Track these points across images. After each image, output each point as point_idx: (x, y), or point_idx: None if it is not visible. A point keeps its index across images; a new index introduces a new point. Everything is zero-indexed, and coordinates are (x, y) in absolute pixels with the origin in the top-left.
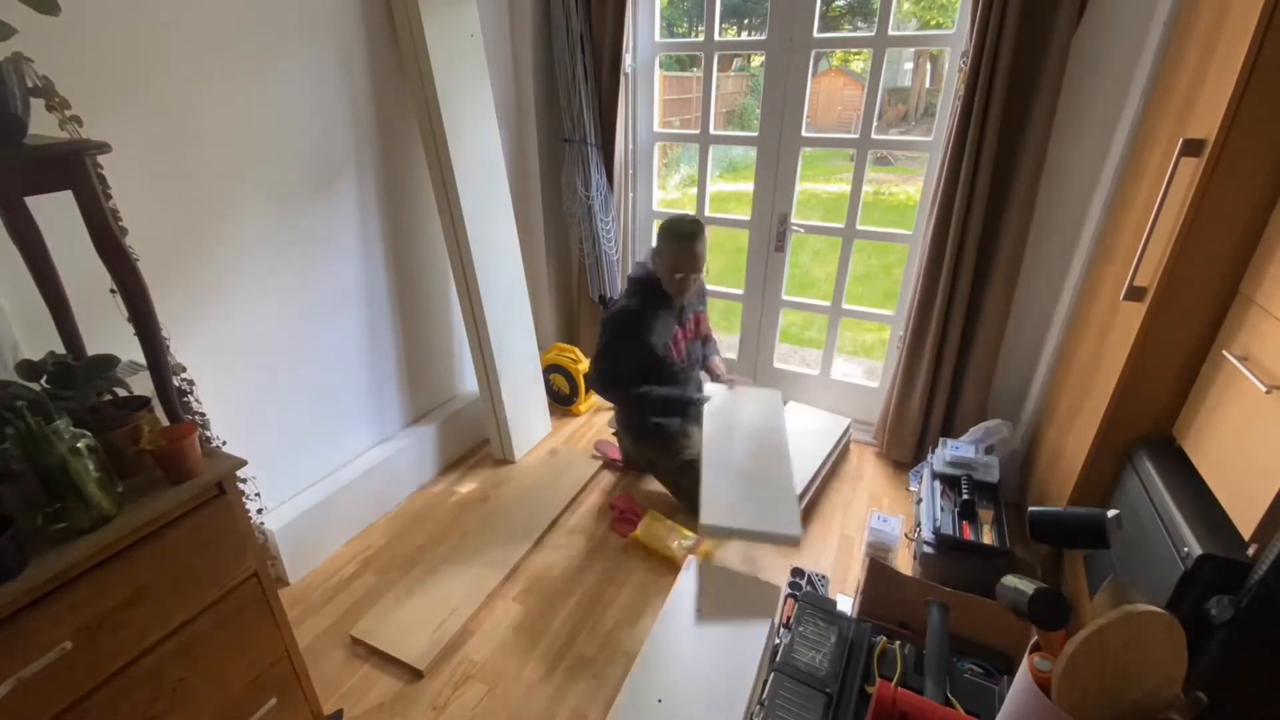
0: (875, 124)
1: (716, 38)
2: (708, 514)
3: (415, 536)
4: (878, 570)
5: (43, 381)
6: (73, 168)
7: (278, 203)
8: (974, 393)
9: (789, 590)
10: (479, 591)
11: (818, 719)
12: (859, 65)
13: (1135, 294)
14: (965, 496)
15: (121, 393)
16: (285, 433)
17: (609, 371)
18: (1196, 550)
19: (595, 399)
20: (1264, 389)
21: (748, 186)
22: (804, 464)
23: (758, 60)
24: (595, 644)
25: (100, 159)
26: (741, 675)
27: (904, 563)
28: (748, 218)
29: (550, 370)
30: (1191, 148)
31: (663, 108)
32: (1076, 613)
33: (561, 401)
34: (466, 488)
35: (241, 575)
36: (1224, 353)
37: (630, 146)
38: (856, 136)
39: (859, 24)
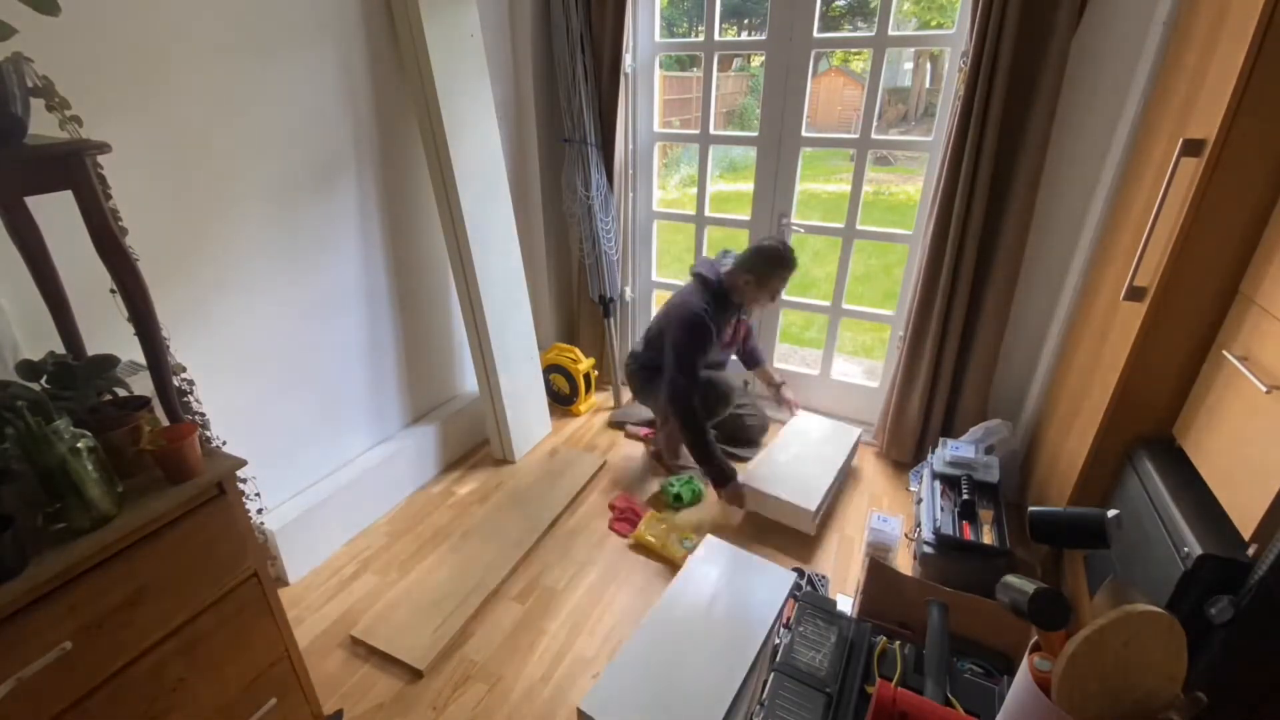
0: (875, 124)
1: (716, 38)
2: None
3: (415, 536)
4: (878, 570)
5: (43, 381)
6: (73, 168)
7: (278, 202)
8: (974, 393)
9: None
10: (479, 591)
11: (818, 719)
12: (859, 65)
13: (1135, 294)
14: (965, 496)
15: (121, 393)
16: (285, 433)
17: (687, 388)
18: (1196, 550)
19: (595, 399)
20: (1264, 389)
21: (748, 186)
22: (820, 475)
23: (758, 60)
24: (595, 644)
25: (100, 159)
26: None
27: (904, 563)
28: (748, 218)
29: (550, 370)
30: (1191, 148)
31: (663, 108)
32: (1076, 613)
33: (561, 401)
34: (466, 488)
35: (241, 575)
36: (1224, 353)
37: (630, 146)
38: (856, 136)
39: (859, 24)
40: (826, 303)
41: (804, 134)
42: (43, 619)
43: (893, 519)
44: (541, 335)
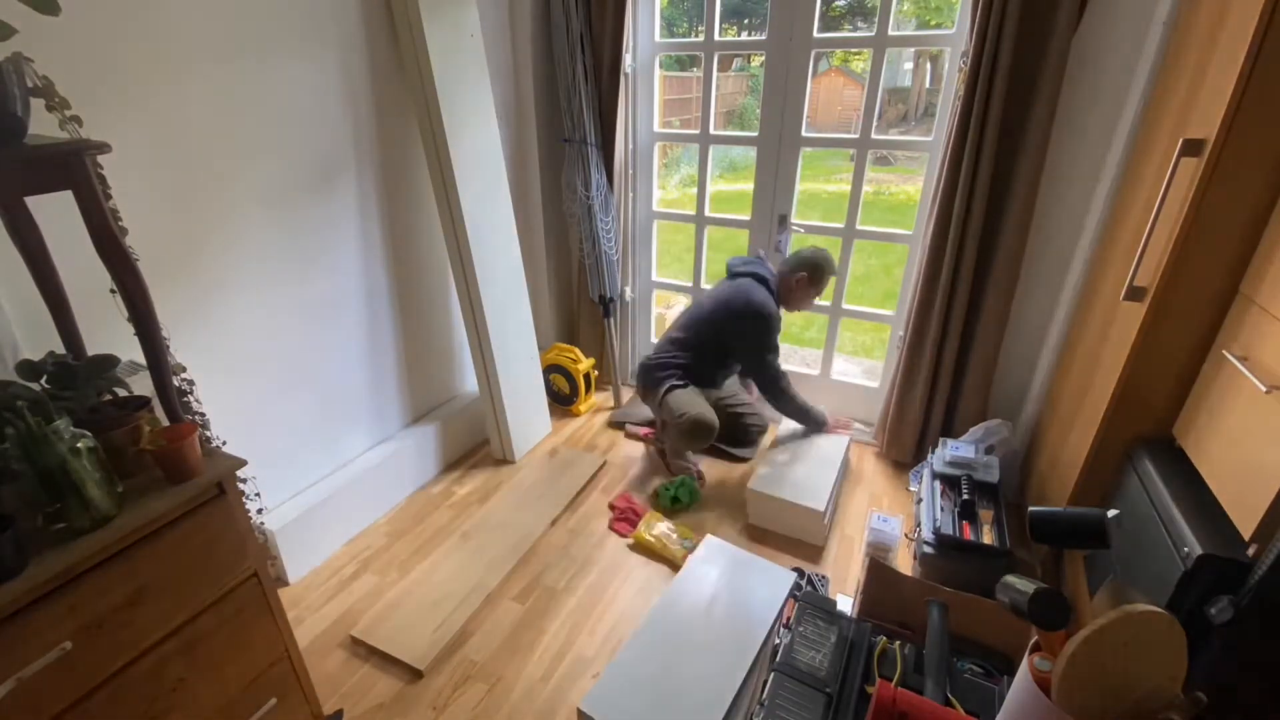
0: (875, 124)
1: (716, 38)
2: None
3: (415, 536)
4: (878, 570)
5: (43, 381)
6: (73, 168)
7: (278, 202)
8: (974, 393)
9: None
10: (479, 591)
11: (818, 719)
12: (859, 65)
13: (1135, 294)
14: (965, 496)
15: (121, 393)
16: (285, 433)
17: (779, 366)
18: (1196, 550)
19: (595, 399)
20: (1264, 389)
21: (748, 186)
22: (823, 477)
23: (758, 60)
24: (595, 644)
25: (100, 159)
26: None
27: (904, 563)
28: (748, 218)
29: (550, 370)
30: (1191, 148)
31: (663, 108)
32: (1076, 613)
33: (561, 401)
34: (466, 488)
35: (241, 575)
36: (1224, 353)
37: (630, 146)
38: (856, 136)
39: (859, 24)
40: (826, 303)
41: (804, 134)
42: (43, 619)
43: (893, 519)
44: (541, 335)
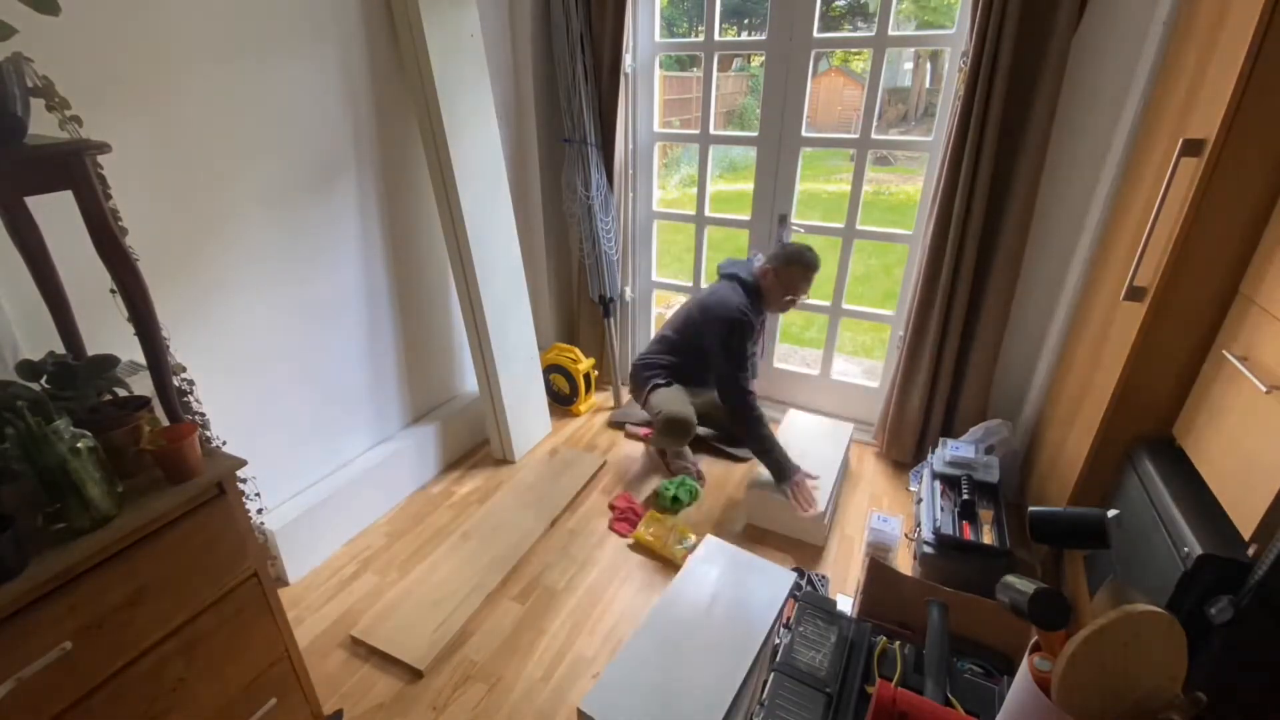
0: (875, 124)
1: (716, 38)
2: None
3: (415, 536)
4: (878, 570)
5: (43, 381)
6: (73, 168)
7: (278, 202)
8: (974, 393)
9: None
10: (479, 591)
11: (817, 719)
12: (859, 65)
13: (1135, 294)
14: (965, 496)
15: (121, 393)
16: (285, 433)
17: (741, 382)
18: (1196, 550)
19: (595, 399)
20: (1264, 389)
21: (748, 186)
22: (823, 477)
23: (758, 60)
24: (595, 644)
25: (100, 159)
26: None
27: (904, 563)
28: (748, 218)
29: (550, 370)
30: (1191, 148)
31: (663, 108)
32: (1076, 613)
33: (561, 401)
34: (466, 488)
35: (241, 575)
36: (1224, 353)
37: (630, 146)
38: (856, 136)
39: (859, 24)
40: (826, 303)
41: (804, 134)
42: (43, 619)
43: (893, 519)
44: (541, 335)
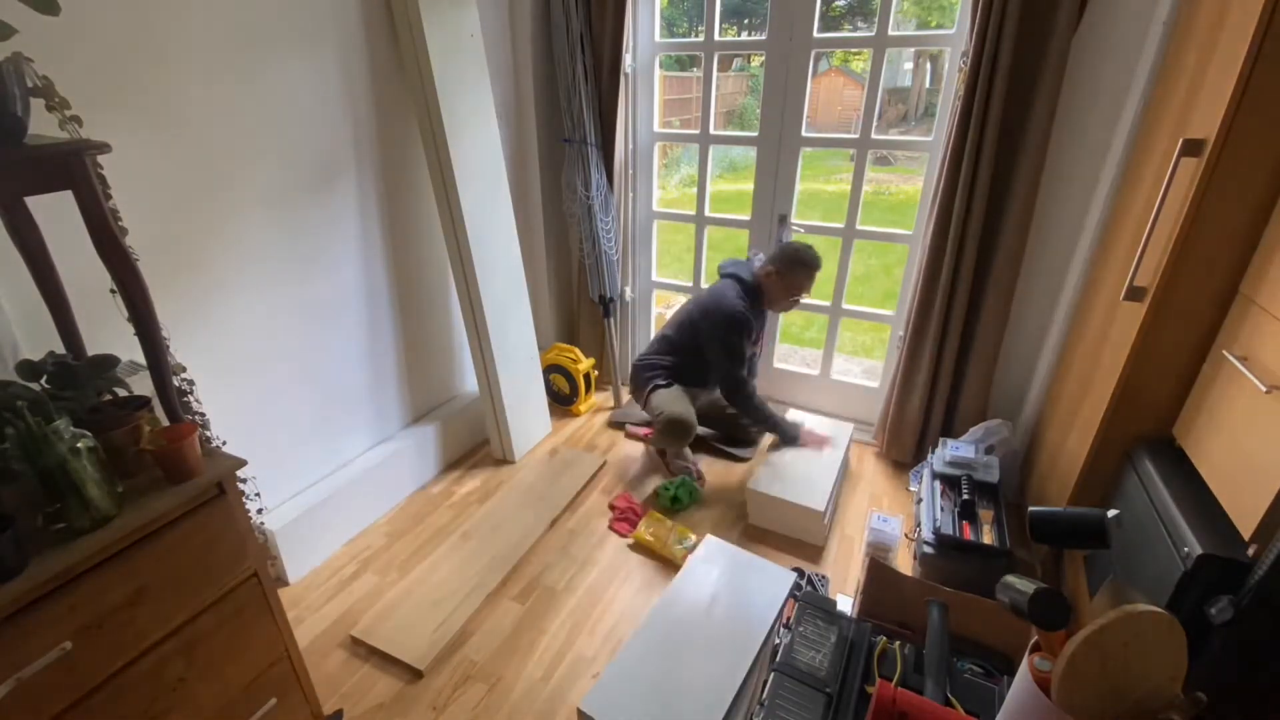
0: (875, 124)
1: (716, 38)
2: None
3: (415, 536)
4: (878, 570)
5: (43, 381)
6: (73, 168)
7: (278, 202)
8: (974, 393)
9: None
10: (479, 591)
11: (817, 719)
12: (859, 65)
13: (1135, 294)
14: (965, 496)
15: (121, 393)
16: (285, 433)
17: (742, 378)
18: (1196, 550)
19: (595, 399)
20: (1264, 389)
21: (748, 186)
22: (823, 477)
23: (758, 60)
24: (595, 644)
25: (100, 159)
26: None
27: (904, 563)
28: (748, 218)
29: (550, 370)
30: (1191, 148)
31: (663, 108)
32: (1076, 613)
33: (561, 401)
34: (466, 488)
35: (241, 575)
36: (1224, 353)
37: (630, 146)
38: (856, 136)
39: (859, 24)
40: (826, 303)
41: (804, 134)
42: (43, 619)
43: (893, 519)
44: (541, 335)
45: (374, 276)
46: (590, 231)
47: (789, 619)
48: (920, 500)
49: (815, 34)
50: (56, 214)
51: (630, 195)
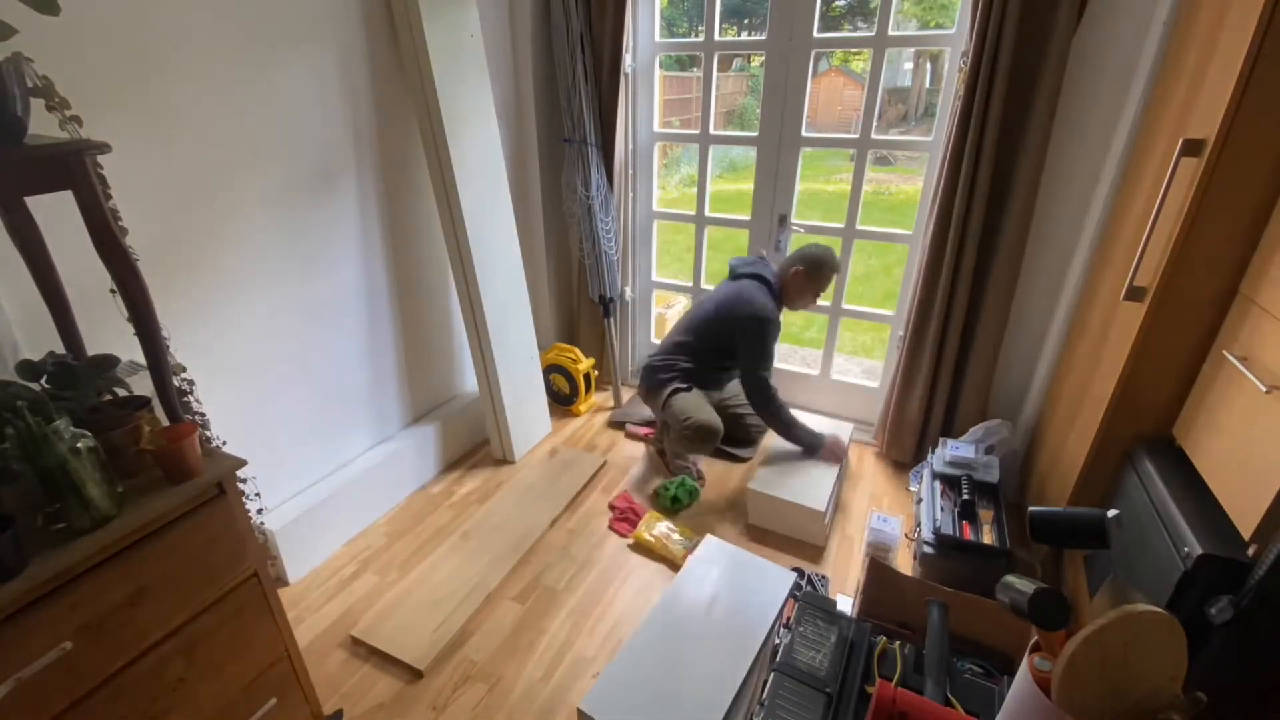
0: (875, 124)
1: (716, 38)
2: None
3: (415, 536)
4: (878, 570)
5: (43, 381)
6: (73, 168)
7: (278, 202)
8: (974, 393)
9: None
10: (479, 591)
11: (817, 719)
12: (859, 65)
13: (1135, 294)
14: (965, 496)
15: (121, 393)
16: (285, 433)
17: (765, 374)
18: (1196, 550)
19: (595, 399)
20: (1264, 389)
21: (748, 186)
22: (823, 477)
23: (758, 60)
24: (595, 644)
25: (100, 159)
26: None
27: (904, 563)
28: (748, 218)
29: (550, 370)
30: (1191, 148)
31: (663, 108)
32: (1076, 613)
33: (561, 401)
34: (466, 488)
35: (241, 575)
36: (1224, 353)
37: (630, 146)
38: (856, 136)
39: (859, 24)
40: (826, 303)
41: (804, 134)
42: (43, 619)
43: (893, 519)
44: (541, 335)
45: (374, 276)
46: (590, 231)
47: (789, 619)
48: (920, 500)
49: (815, 34)
50: (56, 214)
51: (630, 195)
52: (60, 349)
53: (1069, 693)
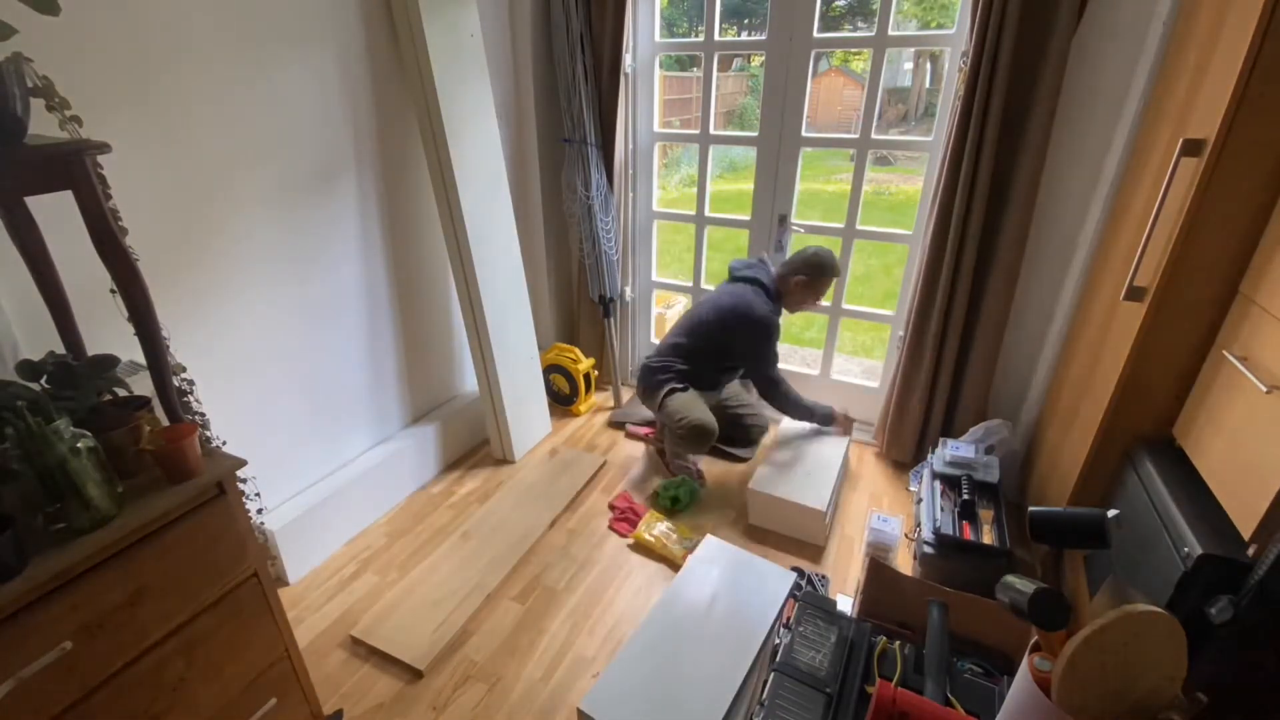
0: (875, 124)
1: (716, 38)
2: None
3: (415, 536)
4: (878, 570)
5: (43, 381)
6: (73, 168)
7: (278, 202)
8: (974, 393)
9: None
10: (479, 591)
11: (817, 719)
12: (859, 65)
13: (1135, 294)
14: (965, 496)
15: (121, 393)
16: (285, 432)
17: (773, 374)
18: (1196, 550)
19: (595, 399)
20: (1264, 389)
21: (748, 186)
22: (823, 477)
23: (758, 60)
24: (595, 644)
25: (100, 159)
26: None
27: (904, 563)
28: (748, 218)
29: (550, 370)
30: (1191, 148)
31: (663, 108)
32: (1076, 613)
33: (561, 401)
34: (466, 488)
35: (241, 575)
36: (1224, 353)
37: (630, 146)
38: (856, 136)
39: (859, 24)
40: (826, 303)
41: (804, 134)
42: (43, 619)
43: (893, 519)
44: (541, 335)
45: (374, 276)
46: (590, 231)
47: (789, 619)
48: (920, 500)
49: (815, 34)
50: (56, 214)
51: (630, 195)
52: (60, 349)
53: (1069, 693)
